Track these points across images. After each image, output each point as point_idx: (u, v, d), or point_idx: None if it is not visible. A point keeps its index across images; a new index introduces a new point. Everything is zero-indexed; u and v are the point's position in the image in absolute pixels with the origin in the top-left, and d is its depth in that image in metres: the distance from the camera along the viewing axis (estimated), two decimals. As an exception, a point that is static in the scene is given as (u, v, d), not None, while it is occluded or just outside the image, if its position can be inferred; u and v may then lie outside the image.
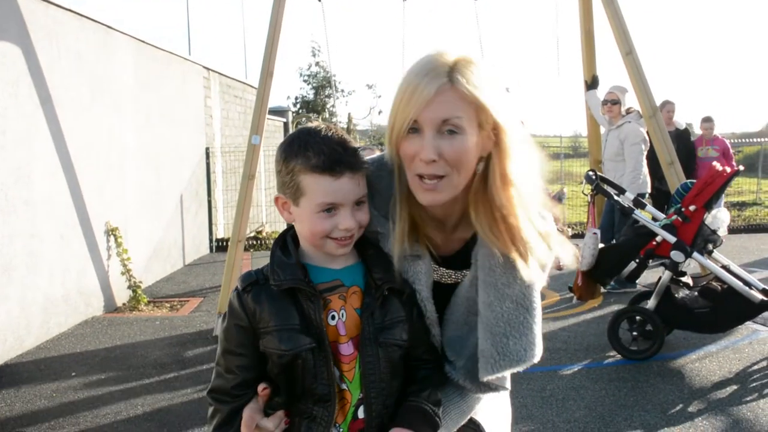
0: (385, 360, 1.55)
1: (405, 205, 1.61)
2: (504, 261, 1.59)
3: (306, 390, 1.52)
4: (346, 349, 1.55)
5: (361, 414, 1.56)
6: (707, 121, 10.23)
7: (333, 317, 1.54)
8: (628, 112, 7.21)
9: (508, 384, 1.72)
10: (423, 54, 1.54)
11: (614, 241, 6.99)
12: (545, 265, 1.64)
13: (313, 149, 1.50)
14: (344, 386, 1.55)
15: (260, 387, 1.55)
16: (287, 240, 1.62)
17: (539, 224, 1.62)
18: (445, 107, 1.46)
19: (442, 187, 1.52)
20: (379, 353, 1.54)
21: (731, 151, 10.31)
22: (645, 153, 7.14)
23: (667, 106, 9.26)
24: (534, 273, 1.61)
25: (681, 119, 9.73)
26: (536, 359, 1.65)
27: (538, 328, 1.64)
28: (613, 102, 7.23)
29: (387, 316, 1.57)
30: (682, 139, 9.30)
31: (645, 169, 7.32)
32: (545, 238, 1.62)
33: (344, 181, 1.51)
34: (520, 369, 1.64)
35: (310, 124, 1.59)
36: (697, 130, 10.79)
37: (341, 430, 1.55)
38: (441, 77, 1.46)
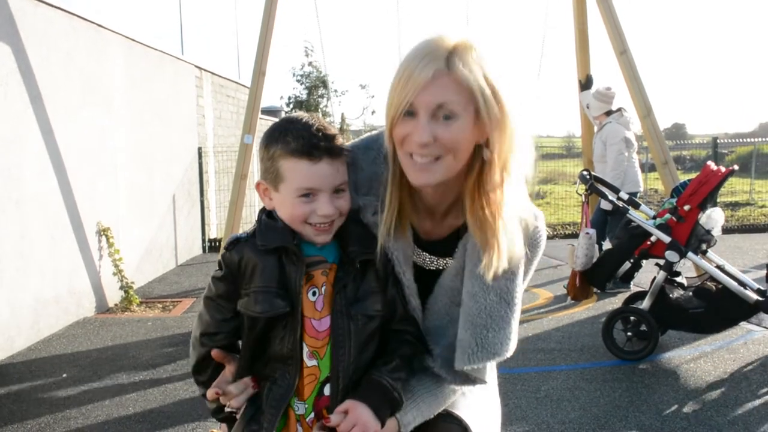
0: (355, 333, 1.56)
1: (396, 189, 1.61)
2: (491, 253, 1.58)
3: (271, 354, 1.55)
4: (321, 325, 1.56)
5: (327, 392, 1.57)
6: None
7: (314, 293, 1.56)
8: (608, 114, 7.16)
9: (486, 377, 1.69)
10: (422, 37, 1.52)
11: (607, 239, 7.00)
12: (520, 259, 1.64)
13: (292, 134, 1.52)
14: (314, 362, 1.56)
15: (214, 353, 1.60)
16: (274, 212, 1.63)
17: (528, 219, 1.65)
18: (440, 92, 1.45)
19: (436, 168, 1.51)
20: (350, 326, 1.56)
21: None
22: (628, 153, 7.10)
23: None
24: (518, 267, 1.63)
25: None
26: (510, 353, 1.66)
27: (516, 323, 1.65)
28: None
29: (360, 288, 1.58)
30: None
31: (635, 169, 7.32)
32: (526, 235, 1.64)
33: (322, 166, 1.53)
34: (494, 362, 1.64)
35: (293, 114, 1.62)
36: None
37: (306, 405, 1.56)
38: (438, 61, 1.45)
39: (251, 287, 1.54)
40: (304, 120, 1.56)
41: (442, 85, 1.45)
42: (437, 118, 1.47)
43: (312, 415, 1.56)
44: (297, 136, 1.52)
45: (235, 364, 1.61)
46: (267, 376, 1.58)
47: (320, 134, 1.53)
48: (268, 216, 1.62)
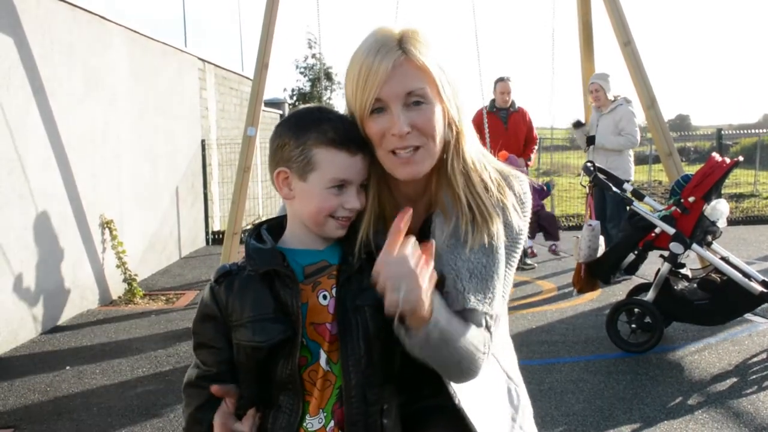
0: (362, 325, 1.49)
1: (374, 190, 1.58)
2: (464, 223, 1.55)
3: (274, 380, 1.50)
4: (335, 327, 1.51)
5: None
6: None
7: (325, 297, 1.51)
8: (616, 98, 7.38)
9: (491, 322, 1.57)
10: (366, 34, 1.52)
11: (608, 229, 7.01)
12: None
13: (329, 124, 1.50)
14: (328, 368, 1.50)
15: (214, 389, 1.53)
16: (261, 232, 1.59)
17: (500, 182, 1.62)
18: (406, 80, 1.46)
19: (419, 157, 1.51)
20: (357, 319, 1.50)
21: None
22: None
23: None
24: (500, 234, 1.57)
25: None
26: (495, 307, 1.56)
27: (498, 281, 1.56)
28: (596, 90, 7.32)
29: (364, 280, 1.51)
30: None
31: (630, 158, 7.47)
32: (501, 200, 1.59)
33: (358, 159, 1.51)
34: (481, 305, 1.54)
35: (310, 105, 1.59)
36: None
37: (323, 417, 1.50)
38: (394, 51, 1.45)
39: (244, 318, 1.48)
40: (333, 111, 1.56)
41: (405, 73, 1.46)
42: (408, 106, 1.48)
43: (332, 423, 1.50)
44: (335, 127, 1.49)
45: (234, 396, 1.54)
46: (269, 403, 1.52)
47: (354, 127, 1.52)
48: (256, 238, 1.57)
